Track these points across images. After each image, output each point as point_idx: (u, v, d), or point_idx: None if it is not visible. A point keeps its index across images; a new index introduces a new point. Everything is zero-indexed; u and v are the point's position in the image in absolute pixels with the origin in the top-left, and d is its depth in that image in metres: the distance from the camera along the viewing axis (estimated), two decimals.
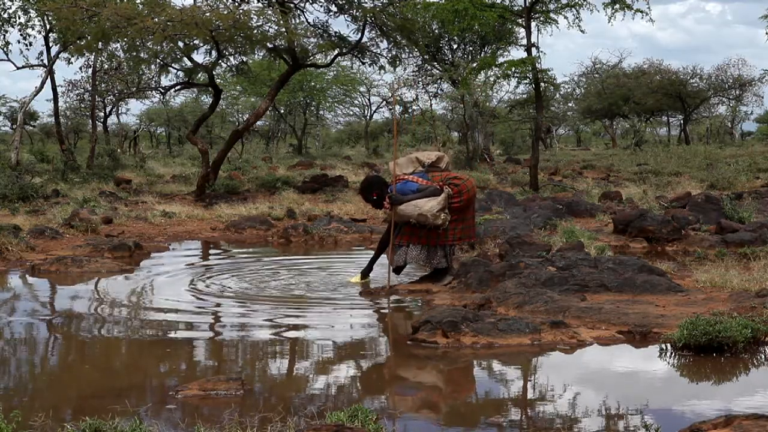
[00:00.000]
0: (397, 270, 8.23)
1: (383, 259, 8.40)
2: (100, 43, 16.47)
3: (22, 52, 24.08)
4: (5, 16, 22.20)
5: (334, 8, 18.17)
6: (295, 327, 6.51)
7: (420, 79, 29.03)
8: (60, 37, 21.50)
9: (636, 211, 11.50)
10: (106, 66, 24.74)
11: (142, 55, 16.75)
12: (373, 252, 8.76)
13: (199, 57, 22.32)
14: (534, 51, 18.62)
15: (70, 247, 10.54)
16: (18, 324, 6.58)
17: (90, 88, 26.80)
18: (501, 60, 22.28)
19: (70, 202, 15.00)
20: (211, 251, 11.60)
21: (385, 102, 45.84)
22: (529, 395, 4.76)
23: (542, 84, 19.16)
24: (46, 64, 23.11)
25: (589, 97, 44.40)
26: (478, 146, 29.06)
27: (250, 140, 47.03)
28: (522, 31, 20.52)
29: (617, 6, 18.31)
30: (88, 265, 9.13)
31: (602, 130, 57.65)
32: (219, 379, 4.66)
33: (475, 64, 24.29)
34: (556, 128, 46.79)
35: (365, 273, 8.39)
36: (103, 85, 26.87)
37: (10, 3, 22.05)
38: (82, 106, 33.37)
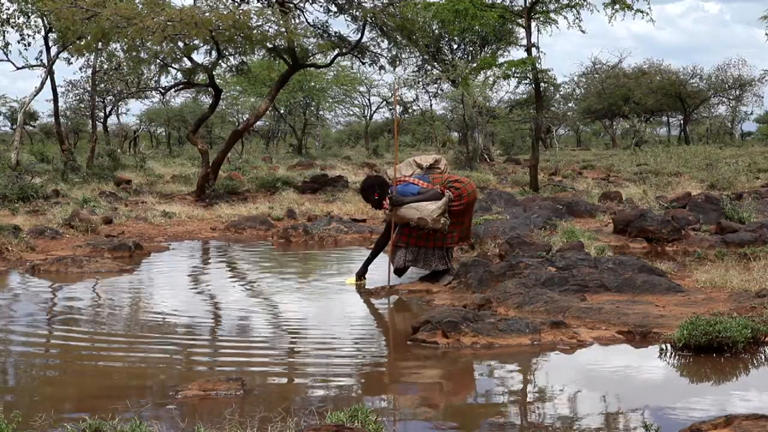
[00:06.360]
0: (399, 272, 8.23)
1: (379, 261, 8.40)
2: (99, 43, 16.47)
3: (21, 53, 24.08)
4: (4, 17, 22.18)
5: (334, 8, 18.19)
6: None
7: (420, 79, 29.04)
8: (60, 37, 21.49)
9: (636, 211, 11.50)
10: (106, 66, 24.73)
11: (142, 55, 16.74)
12: (369, 253, 8.75)
13: (199, 57, 22.38)
14: (534, 51, 18.64)
15: (70, 247, 10.54)
16: (17, 324, 6.57)
17: (90, 89, 26.79)
18: (501, 60, 22.31)
19: (70, 202, 14.99)
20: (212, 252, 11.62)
21: (385, 102, 45.89)
22: (529, 395, 4.75)
23: (542, 84, 19.16)
24: (46, 64, 23.10)
25: (589, 98, 44.45)
26: (478, 146, 29.07)
27: (250, 140, 47.05)
28: (522, 32, 20.50)
29: (617, 6, 18.31)
30: (88, 265, 9.13)
31: (602, 130, 57.69)
32: (219, 379, 4.65)
33: (475, 64, 24.29)
34: (556, 128, 46.78)
35: (360, 274, 8.36)
36: (102, 85, 26.86)
37: (9, 4, 22.05)
38: (82, 106, 33.39)
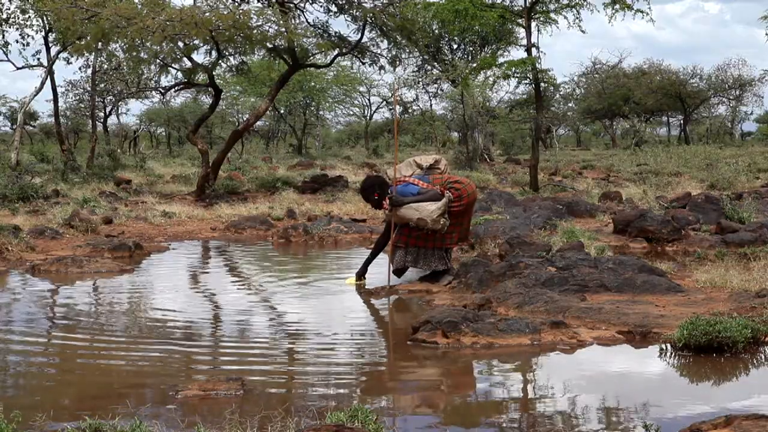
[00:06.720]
0: (398, 273, 8.23)
1: (379, 261, 8.40)
2: (99, 43, 16.47)
3: (21, 52, 24.06)
4: (4, 16, 22.17)
5: (334, 8, 18.20)
6: None
7: (420, 79, 29.04)
8: (60, 37, 21.49)
9: (636, 211, 11.50)
10: (106, 66, 24.72)
11: (142, 55, 16.75)
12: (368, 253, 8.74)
13: (199, 57, 22.35)
14: (534, 51, 18.63)
15: (70, 247, 10.54)
16: (17, 324, 6.57)
17: (90, 89, 26.79)
18: (501, 60, 22.30)
19: (70, 202, 15.00)
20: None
21: (385, 102, 45.89)
22: (529, 395, 4.75)
23: (542, 84, 19.16)
24: (46, 64, 23.10)
25: (589, 98, 44.46)
26: (478, 146, 29.07)
27: (250, 140, 47.05)
28: (522, 32, 20.50)
29: (617, 6, 18.31)
30: (88, 265, 9.13)
31: (602, 130, 57.70)
32: (219, 379, 4.65)
33: (475, 64, 24.29)
34: (556, 128, 46.78)
35: (360, 274, 8.35)
36: (102, 85, 26.86)
37: (8, 3, 22.04)
38: (82, 106, 33.39)
